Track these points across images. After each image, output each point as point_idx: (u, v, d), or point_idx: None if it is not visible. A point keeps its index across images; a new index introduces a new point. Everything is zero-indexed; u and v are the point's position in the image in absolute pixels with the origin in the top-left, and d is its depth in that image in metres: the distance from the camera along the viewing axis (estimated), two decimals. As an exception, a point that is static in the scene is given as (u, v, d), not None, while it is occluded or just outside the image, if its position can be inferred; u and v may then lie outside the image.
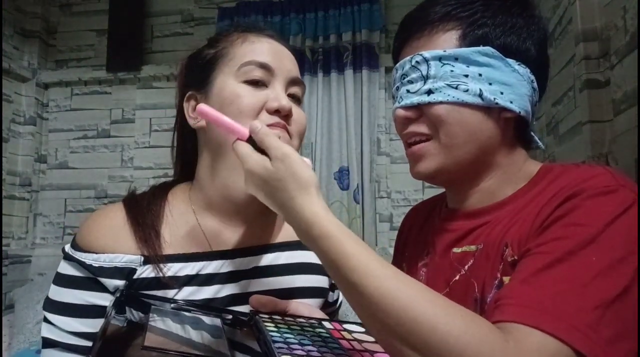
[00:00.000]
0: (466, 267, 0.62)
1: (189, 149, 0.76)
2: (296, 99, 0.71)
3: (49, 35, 2.69)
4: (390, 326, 0.44)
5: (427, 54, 0.62)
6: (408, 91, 0.64)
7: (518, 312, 0.46)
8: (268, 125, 0.65)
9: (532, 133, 0.67)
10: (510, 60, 0.61)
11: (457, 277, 0.62)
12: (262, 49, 0.68)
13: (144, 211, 0.68)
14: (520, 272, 0.51)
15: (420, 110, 0.64)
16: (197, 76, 0.71)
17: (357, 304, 0.48)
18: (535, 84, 0.64)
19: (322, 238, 0.50)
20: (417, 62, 0.63)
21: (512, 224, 0.59)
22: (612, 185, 0.52)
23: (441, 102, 0.61)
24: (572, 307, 0.45)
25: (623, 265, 0.48)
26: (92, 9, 2.69)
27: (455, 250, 0.64)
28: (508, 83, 0.61)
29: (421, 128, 0.64)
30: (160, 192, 0.73)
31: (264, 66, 0.67)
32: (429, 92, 0.62)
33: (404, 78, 0.65)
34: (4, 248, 2.33)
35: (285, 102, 0.66)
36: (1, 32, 2.35)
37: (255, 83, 0.67)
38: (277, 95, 0.66)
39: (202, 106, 0.59)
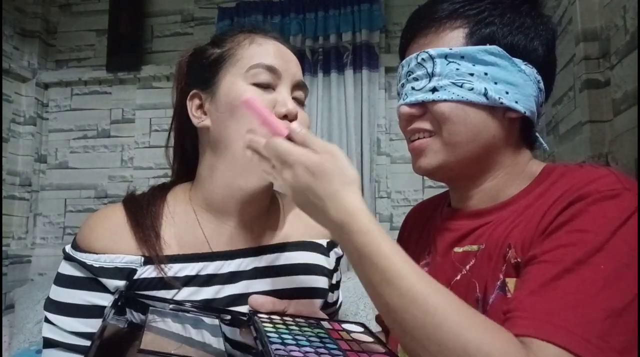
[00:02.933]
0: (467, 267, 0.61)
1: (189, 149, 0.76)
2: (300, 103, 0.72)
3: (49, 35, 2.70)
4: (415, 328, 0.45)
5: (433, 51, 0.62)
6: (413, 88, 0.64)
7: (530, 325, 0.46)
8: None
9: (537, 134, 0.67)
10: (516, 60, 0.61)
11: (458, 277, 0.62)
12: (269, 52, 0.69)
13: (143, 211, 0.68)
14: (528, 281, 0.51)
15: (424, 108, 0.64)
16: (201, 75, 0.71)
17: (383, 303, 0.48)
18: (541, 85, 0.63)
19: (360, 233, 0.50)
20: (422, 59, 0.63)
21: (515, 225, 0.58)
22: (616, 188, 0.52)
23: (445, 100, 0.61)
24: (583, 318, 0.45)
25: (630, 271, 0.48)
26: (92, 9, 2.69)
27: (457, 249, 0.64)
28: (514, 83, 0.61)
29: (425, 124, 0.64)
30: (159, 193, 0.73)
31: (271, 69, 0.67)
32: (434, 89, 0.62)
33: (410, 75, 0.65)
34: (4, 248, 2.33)
35: (292, 107, 0.67)
36: (1, 32, 2.35)
37: (263, 86, 0.67)
38: (284, 99, 0.67)
39: (249, 97, 0.60)
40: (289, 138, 0.57)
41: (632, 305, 0.47)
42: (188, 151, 0.76)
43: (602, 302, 0.46)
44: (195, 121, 0.70)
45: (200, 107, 0.70)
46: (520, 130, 0.65)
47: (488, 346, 0.43)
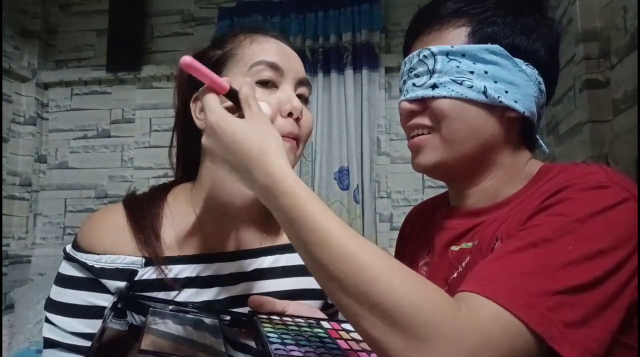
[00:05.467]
0: (463, 264, 0.62)
1: (190, 151, 0.76)
2: (304, 100, 0.71)
3: (49, 35, 2.70)
4: (347, 286, 0.45)
5: (434, 48, 0.62)
6: (414, 84, 0.64)
7: (479, 284, 0.46)
8: (281, 135, 0.65)
9: (537, 136, 0.67)
10: (517, 60, 0.61)
11: (455, 275, 0.62)
12: (271, 49, 0.68)
13: (143, 212, 0.68)
14: (494, 253, 0.52)
15: (424, 104, 0.64)
16: None
17: (315, 263, 0.47)
18: (542, 86, 0.64)
19: (286, 195, 0.49)
20: (424, 56, 0.63)
21: (505, 219, 0.59)
22: (604, 181, 0.52)
23: (445, 97, 0.61)
24: (534, 287, 0.45)
25: (602, 257, 0.47)
26: (92, 9, 2.69)
27: (454, 248, 0.65)
28: (514, 82, 0.61)
29: (424, 120, 0.64)
30: (159, 193, 0.73)
31: (274, 66, 0.67)
32: (434, 86, 0.62)
33: (411, 72, 0.65)
34: (4, 248, 2.33)
35: (296, 103, 0.66)
36: (1, 32, 2.35)
37: (266, 83, 0.66)
38: (288, 96, 0.66)
39: (186, 58, 0.56)
40: (233, 93, 0.57)
41: (596, 286, 0.46)
42: (190, 153, 0.76)
43: (559, 277, 0.46)
44: (199, 123, 0.70)
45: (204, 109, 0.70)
46: (521, 131, 0.65)
47: (420, 300, 0.43)
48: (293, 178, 0.50)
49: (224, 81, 0.58)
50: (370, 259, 0.45)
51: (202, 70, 0.57)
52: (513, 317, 0.43)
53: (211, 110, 0.55)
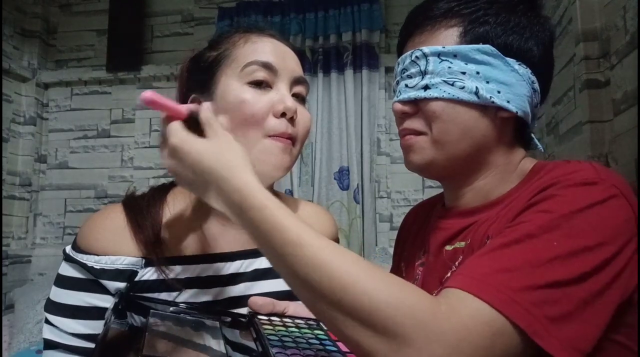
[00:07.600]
0: (456, 263, 0.62)
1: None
2: (300, 99, 0.71)
3: (49, 35, 2.70)
4: (323, 294, 0.44)
5: (426, 49, 0.62)
6: (406, 86, 0.64)
7: (462, 280, 0.46)
8: (274, 135, 0.65)
9: (532, 135, 0.67)
10: (510, 60, 0.61)
11: (448, 274, 0.62)
12: (265, 49, 0.68)
13: (143, 212, 0.68)
14: (480, 250, 0.52)
15: (416, 106, 0.64)
16: (199, 79, 0.70)
17: (290, 274, 0.47)
18: (536, 85, 0.63)
19: (255, 209, 0.49)
20: (416, 57, 0.63)
21: (496, 218, 0.59)
22: (591, 178, 0.52)
23: (437, 99, 0.61)
24: (517, 283, 0.45)
25: (587, 253, 0.47)
26: (92, 9, 2.69)
27: (448, 247, 0.65)
28: (506, 82, 0.60)
29: (416, 124, 0.64)
30: (159, 194, 0.73)
31: (267, 66, 0.66)
32: (426, 87, 0.62)
33: (404, 72, 0.65)
34: (4, 248, 2.33)
35: (290, 103, 0.65)
36: (1, 32, 2.35)
37: (259, 84, 0.66)
38: (282, 96, 0.66)
39: (147, 94, 0.56)
40: (193, 116, 0.57)
41: (581, 282, 0.46)
42: None
43: (543, 272, 0.45)
44: None
45: None
46: (514, 130, 0.65)
47: (397, 301, 0.42)
48: (262, 192, 0.50)
49: (184, 108, 0.58)
50: (344, 266, 0.45)
51: (162, 103, 0.57)
52: (496, 313, 0.43)
53: (172, 133, 0.55)
